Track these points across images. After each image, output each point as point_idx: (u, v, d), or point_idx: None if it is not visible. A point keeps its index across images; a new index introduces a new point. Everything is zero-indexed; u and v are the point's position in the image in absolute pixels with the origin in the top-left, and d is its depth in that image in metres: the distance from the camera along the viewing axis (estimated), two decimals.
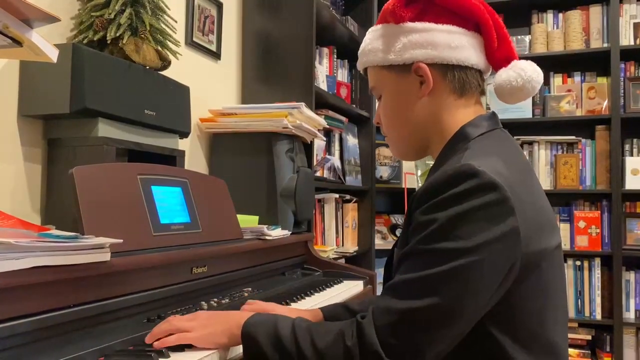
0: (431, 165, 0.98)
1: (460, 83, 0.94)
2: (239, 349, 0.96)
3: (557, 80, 3.20)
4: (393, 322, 0.77)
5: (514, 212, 0.78)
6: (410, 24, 0.94)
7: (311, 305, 1.30)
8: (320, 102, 2.38)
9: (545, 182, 3.11)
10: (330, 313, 1.13)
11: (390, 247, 1.03)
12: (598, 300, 2.97)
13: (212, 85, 2.06)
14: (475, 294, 0.77)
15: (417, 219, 0.82)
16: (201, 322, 0.91)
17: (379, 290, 1.68)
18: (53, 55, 0.85)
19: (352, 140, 2.92)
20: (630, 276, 2.94)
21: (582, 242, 3.01)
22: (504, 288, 0.80)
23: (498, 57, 0.96)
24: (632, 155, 3.01)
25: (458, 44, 0.92)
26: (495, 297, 0.80)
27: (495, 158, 0.84)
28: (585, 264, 2.99)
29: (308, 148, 2.08)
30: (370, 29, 1.02)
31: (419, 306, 0.76)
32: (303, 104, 1.87)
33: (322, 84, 2.50)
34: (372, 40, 1.00)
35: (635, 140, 3.02)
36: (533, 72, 0.94)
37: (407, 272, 0.80)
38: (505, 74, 0.95)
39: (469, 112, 0.95)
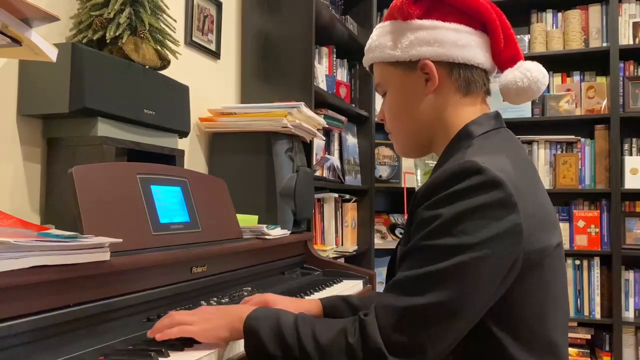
0: (432, 164, 0.99)
1: (466, 81, 0.95)
2: (239, 348, 0.96)
3: (556, 79, 3.20)
4: (395, 320, 0.77)
5: (517, 209, 0.78)
6: (417, 21, 0.95)
7: None
8: (319, 102, 2.38)
9: (545, 181, 3.10)
10: (329, 304, 1.13)
11: (389, 247, 1.03)
12: (597, 299, 2.97)
13: (211, 84, 2.06)
14: (477, 290, 0.77)
15: (420, 215, 0.82)
16: (203, 315, 0.91)
17: (379, 289, 1.68)
18: (52, 54, 0.85)
19: (351, 140, 2.92)
20: (630, 275, 2.94)
21: (581, 241, 3.01)
22: (505, 286, 0.80)
23: (504, 58, 0.97)
24: (631, 154, 3.01)
25: (465, 43, 0.93)
26: (496, 295, 0.80)
27: (498, 155, 0.84)
28: (585, 263, 2.99)
29: (307, 147, 2.08)
30: (377, 26, 1.02)
31: (421, 303, 0.76)
32: (302, 103, 1.87)
33: (321, 83, 2.50)
34: (378, 37, 1.00)
35: (634, 139, 3.02)
36: (539, 73, 0.95)
37: (410, 269, 0.80)
38: (512, 75, 0.96)
39: (473, 111, 0.95)
